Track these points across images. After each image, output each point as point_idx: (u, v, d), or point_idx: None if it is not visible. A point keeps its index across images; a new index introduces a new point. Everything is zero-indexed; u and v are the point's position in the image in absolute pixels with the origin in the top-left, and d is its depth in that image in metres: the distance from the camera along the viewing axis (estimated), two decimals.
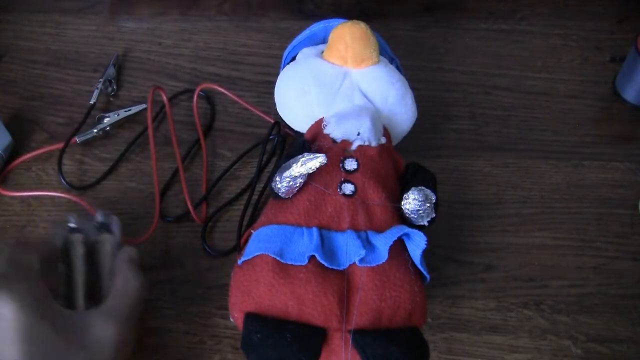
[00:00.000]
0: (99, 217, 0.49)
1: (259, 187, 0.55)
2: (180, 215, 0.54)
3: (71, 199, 0.54)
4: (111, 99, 0.61)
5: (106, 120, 0.59)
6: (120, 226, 0.49)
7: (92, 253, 0.48)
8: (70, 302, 0.46)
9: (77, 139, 0.58)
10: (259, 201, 0.55)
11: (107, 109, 0.60)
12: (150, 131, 0.55)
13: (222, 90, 0.60)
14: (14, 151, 0.57)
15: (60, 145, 0.57)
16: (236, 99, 0.60)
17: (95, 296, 0.47)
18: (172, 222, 0.54)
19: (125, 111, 0.59)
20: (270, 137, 0.57)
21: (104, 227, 0.49)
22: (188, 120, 0.60)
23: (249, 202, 0.54)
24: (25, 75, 0.63)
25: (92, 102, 0.59)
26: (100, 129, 0.58)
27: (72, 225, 0.48)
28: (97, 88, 0.60)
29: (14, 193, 0.55)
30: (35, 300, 0.38)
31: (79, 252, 0.47)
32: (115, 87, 0.61)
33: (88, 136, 0.58)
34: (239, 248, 0.51)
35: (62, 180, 0.55)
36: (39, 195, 0.55)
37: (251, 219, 0.54)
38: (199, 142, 0.58)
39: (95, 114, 0.60)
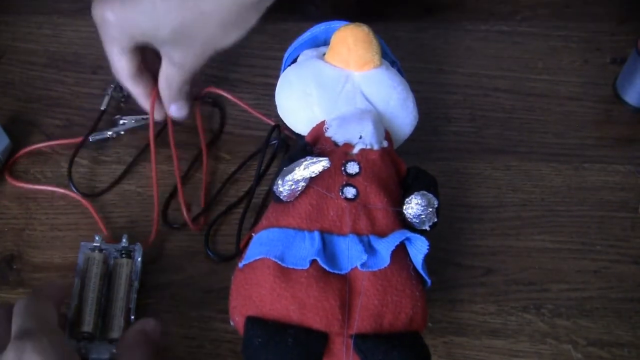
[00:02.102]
0: (124, 241, 0.50)
1: (261, 190, 0.55)
2: (184, 223, 0.54)
3: (71, 195, 0.54)
4: (122, 104, 0.61)
5: (121, 122, 0.59)
6: (142, 254, 0.50)
7: (110, 275, 0.49)
8: (79, 315, 0.47)
9: (91, 139, 0.58)
10: (262, 205, 0.54)
11: (117, 114, 0.60)
12: (151, 134, 0.55)
13: (225, 94, 0.60)
14: (12, 154, 0.57)
15: (63, 142, 0.57)
16: (240, 103, 0.59)
17: (104, 317, 0.48)
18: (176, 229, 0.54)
19: (144, 118, 0.59)
20: (272, 142, 0.56)
21: (126, 252, 0.50)
22: (191, 123, 0.59)
23: (247, 206, 0.54)
24: (23, 77, 0.62)
25: (102, 108, 0.59)
26: (115, 132, 0.58)
27: (95, 244, 0.50)
28: (107, 94, 0.60)
29: (21, 184, 0.55)
30: (57, 353, 0.39)
31: (95, 271, 0.48)
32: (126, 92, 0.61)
33: (101, 137, 0.58)
34: (238, 252, 0.51)
35: (72, 187, 0.55)
36: (43, 189, 0.55)
37: (252, 224, 0.53)
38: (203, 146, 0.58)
39: (102, 118, 0.59)
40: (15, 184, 0.55)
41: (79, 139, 0.57)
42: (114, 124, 0.59)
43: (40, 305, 0.42)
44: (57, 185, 0.55)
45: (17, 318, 0.41)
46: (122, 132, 0.59)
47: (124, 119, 0.59)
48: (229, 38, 0.49)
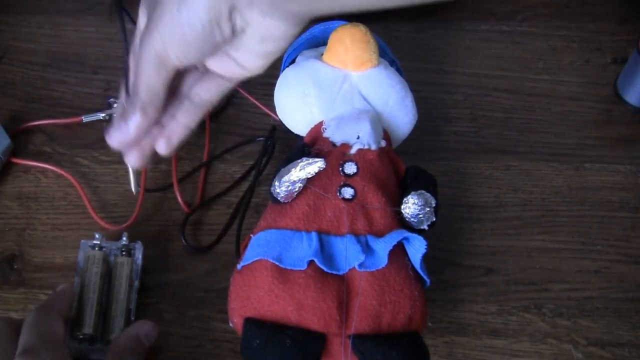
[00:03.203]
0: (124, 239, 0.50)
1: (260, 189, 0.55)
2: (166, 186, 0.55)
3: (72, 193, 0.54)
4: None
5: (115, 105, 0.59)
6: (143, 252, 0.50)
7: (110, 274, 0.49)
8: (80, 316, 0.47)
9: (84, 119, 0.58)
10: (240, 204, 0.55)
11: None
12: None
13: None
14: (12, 154, 0.57)
15: (58, 121, 0.58)
16: (248, 95, 0.59)
17: (105, 318, 0.48)
18: (155, 193, 0.55)
19: None
20: (258, 138, 0.57)
21: (126, 250, 0.50)
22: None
23: (245, 205, 0.54)
24: (24, 77, 0.62)
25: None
26: (107, 114, 0.58)
27: (95, 242, 0.49)
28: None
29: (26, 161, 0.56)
30: None
31: (96, 270, 0.48)
32: None
33: (94, 118, 0.58)
34: (237, 253, 0.51)
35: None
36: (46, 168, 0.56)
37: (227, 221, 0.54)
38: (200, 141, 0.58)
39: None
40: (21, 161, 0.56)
41: (75, 119, 0.58)
42: (109, 107, 0.59)
43: (48, 322, 0.42)
44: (55, 190, 0.56)
45: (23, 334, 0.41)
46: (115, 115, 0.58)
47: (117, 102, 0.59)
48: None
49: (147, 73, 0.42)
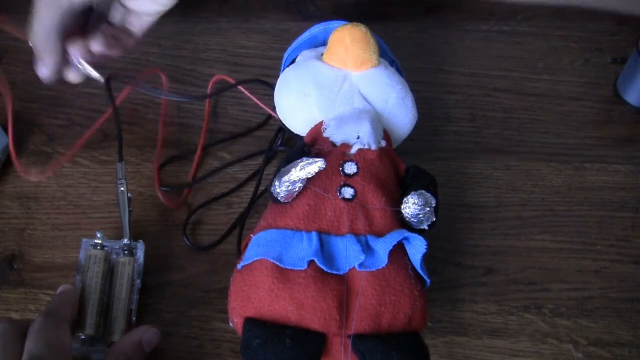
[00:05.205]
0: (125, 238, 0.50)
1: (244, 191, 0.55)
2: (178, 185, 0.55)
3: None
4: None
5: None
6: (145, 252, 0.50)
7: (112, 273, 0.49)
8: (81, 317, 0.47)
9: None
10: (251, 204, 0.55)
11: None
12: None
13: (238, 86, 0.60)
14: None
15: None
16: (251, 96, 0.60)
17: (106, 318, 0.47)
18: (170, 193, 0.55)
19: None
20: (279, 147, 0.57)
21: (129, 250, 0.49)
22: (193, 122, 0.60)
23: (250, 206, 0.54)
24: (24, 77, 0.62)
25: None
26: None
27: (97, 241, 0.49)
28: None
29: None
30: None
31: (97, 269, 0.48)
32: None
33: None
34: (238, 253, 0.51)
35: None
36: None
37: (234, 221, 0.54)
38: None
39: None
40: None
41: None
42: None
43: (56, 331, 0.42)
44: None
45: (30, 341, 0.41)
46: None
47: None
48: None
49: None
